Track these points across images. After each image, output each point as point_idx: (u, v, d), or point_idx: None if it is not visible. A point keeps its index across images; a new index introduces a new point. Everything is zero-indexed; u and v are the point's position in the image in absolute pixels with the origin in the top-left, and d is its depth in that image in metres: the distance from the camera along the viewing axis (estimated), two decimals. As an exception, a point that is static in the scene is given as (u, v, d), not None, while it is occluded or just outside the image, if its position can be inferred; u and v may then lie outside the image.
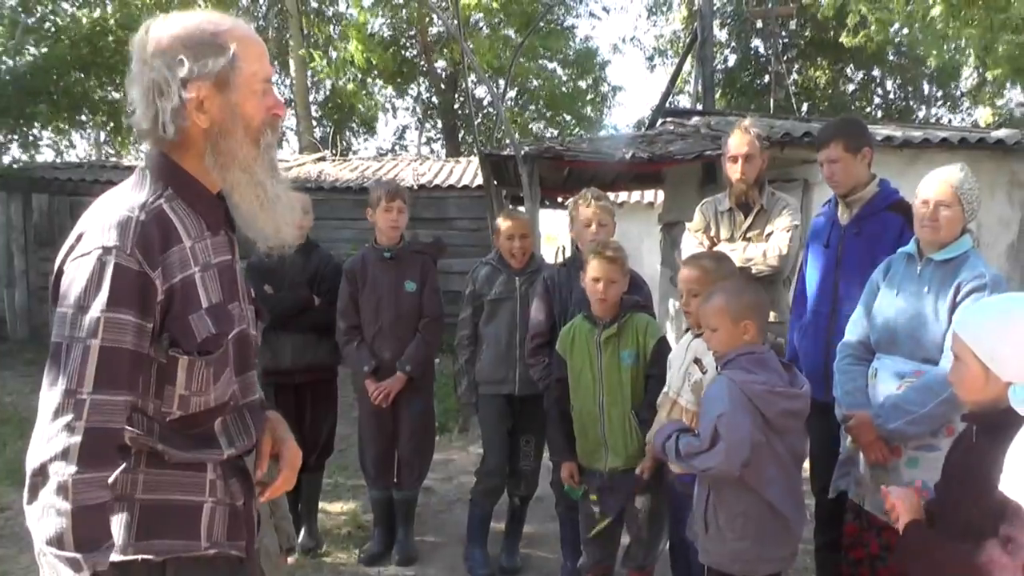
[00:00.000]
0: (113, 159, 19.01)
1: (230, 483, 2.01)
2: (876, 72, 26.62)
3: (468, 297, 5.05)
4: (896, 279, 3.54)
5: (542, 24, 22.96)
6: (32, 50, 15.10)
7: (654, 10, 28.60)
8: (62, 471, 1.64)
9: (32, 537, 1.70)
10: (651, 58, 29.61)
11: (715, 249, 4.58)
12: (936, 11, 9.73)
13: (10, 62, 14.49)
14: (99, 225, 1.76)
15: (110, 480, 1.72)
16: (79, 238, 1.77)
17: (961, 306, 2.47)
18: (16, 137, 15.04)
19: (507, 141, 10.40)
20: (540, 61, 26.63)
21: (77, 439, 1.66)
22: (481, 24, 24.04)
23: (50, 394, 1.69)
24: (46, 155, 18.22)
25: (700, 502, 3.27)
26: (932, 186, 3.38)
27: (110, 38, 15.12)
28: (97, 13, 15.99)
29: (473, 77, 16.11)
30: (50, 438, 1.66)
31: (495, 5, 22.37)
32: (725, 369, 3.18)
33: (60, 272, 1.77)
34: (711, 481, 3.20)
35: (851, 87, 27.46)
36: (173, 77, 1.81)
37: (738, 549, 3.16)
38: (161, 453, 1.86)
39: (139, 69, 1.85)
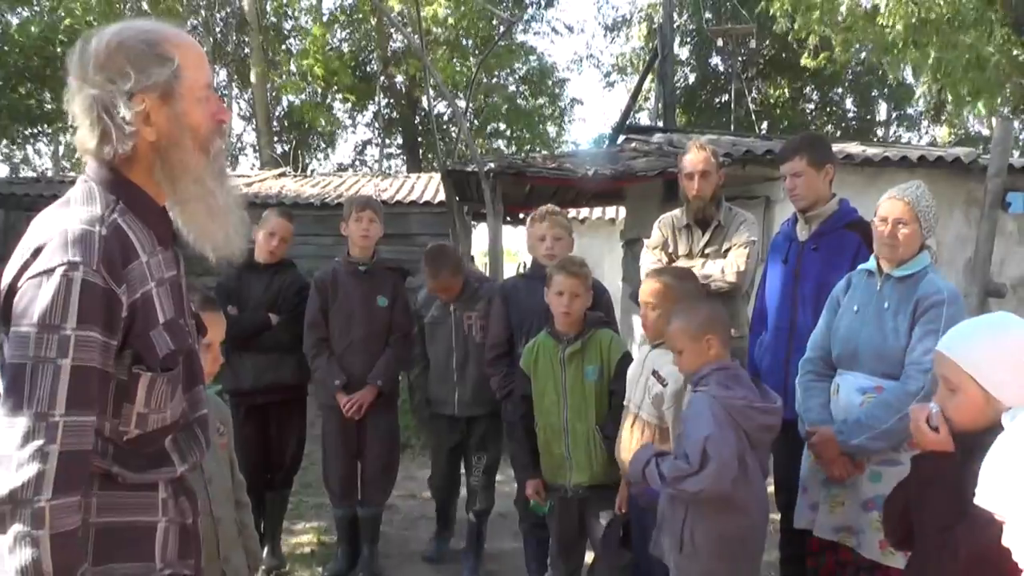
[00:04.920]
0: (72, 174, 18.73)
1: (180, 501, 1.97)
2: (835, 91, 26.95)
3: (412, 316, 5.13)
4: (856, 295, 3.58)
5: (502, 43, 23.03)
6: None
7: (612, 28, 28.83)
8: (37, 499, 1.58)
9: None
10: (608, 75, 29.87)
11: (677, 266, 4.62)
12: (898, 27, 9.88)
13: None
14: (59, 240, 1.68)
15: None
16: (35, 254, 1.68)
17: (950, 331, 2.44)
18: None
19: (469, 157, 10.40)
20: (498, 79, 26.75)
21: (52, 464, 1.60)
22: (440, 39, 24.05)
23: (15, 418, 1.61)
24: (1, 170, 18.01)
25: (675, 521, 3.23)
26: (890, 204, 3.42)
27: (59, 49, 14.93)
28: (45, 21, 15.73)
29: (432, 93, 16.08)
30: (20, 464, 1.58)
31: (451, 20, 22.42)
32: (700, 386, 3.18)
33: (13, 289, 1.69)
34: (693, 502, 3.16)
35: (810, 106, 27.79)
36: (118, 91, 1.77)
37: (713, 569, 3.15)
38: (115, 475, 1.80)
39: (79, 85, 1.80)
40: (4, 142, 16.54)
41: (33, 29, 15.12)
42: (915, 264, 3.39)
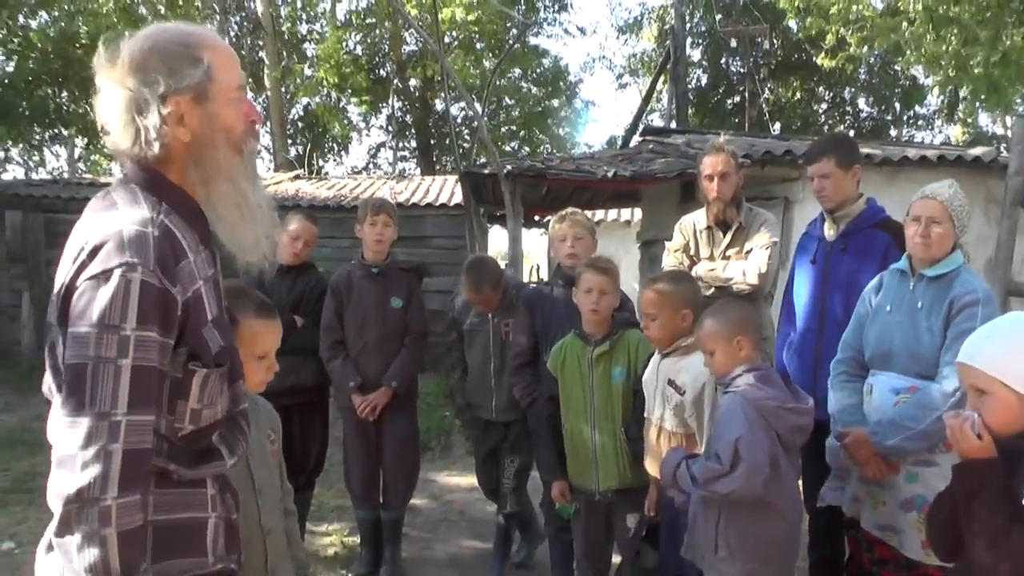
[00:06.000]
0: (88, 176, 18.80)
1: (226, 498, 2.02)
2: (847, 91, 26.88)
3: (450, 322, 5.15)
4: (889, 295, 3.55)
5: (517, 45, 23.04)
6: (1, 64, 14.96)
7: (624, 30, 28.81)
8: (104, 497, 1.61)
9: (47, 568, 1.71)
10: (620, 76, 29.86)
11: (676, 268, 4.60)
12: (918, 28, 9.85)
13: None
14: (115, 242, 1.69)
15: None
16: (92, 255, 1.69)
17: (966, 341, 2.40)
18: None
19: (483, 159, 10.39)
20: (512, 79, 26.79)
21: (116, 463, 1.62)
22: (455, 43, 24.10)
23: (77, 418, 1.63)
24: (17, 170, 18.09)
25: (708, 523, 3.21)
26: (923, 203, 3.40)
27: (80, 51, 14.99)
28: (66, 24, 15.75)
29: (450, 95, 16.07)
30: (85, 464, 1.61)
31: (470, 18, 22.42)
32: (731, 387, 3.16)
33: (70, 291, 1.70)
34: (726, 503, 3.14)
35: (823, 106, 27.72)
36: (152, 93, 1.78)
37: (749, 570, 3.13)
38: (171, 472, 1.83)
39: (111, 87, 1.82)
40: (21, 145, 16.57)
41: (51, 33, 15.14)
42: (948, 263, 3.36)
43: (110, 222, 1.75)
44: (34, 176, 17.83)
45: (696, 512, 3.32)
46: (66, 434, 1.64)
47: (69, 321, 1.69)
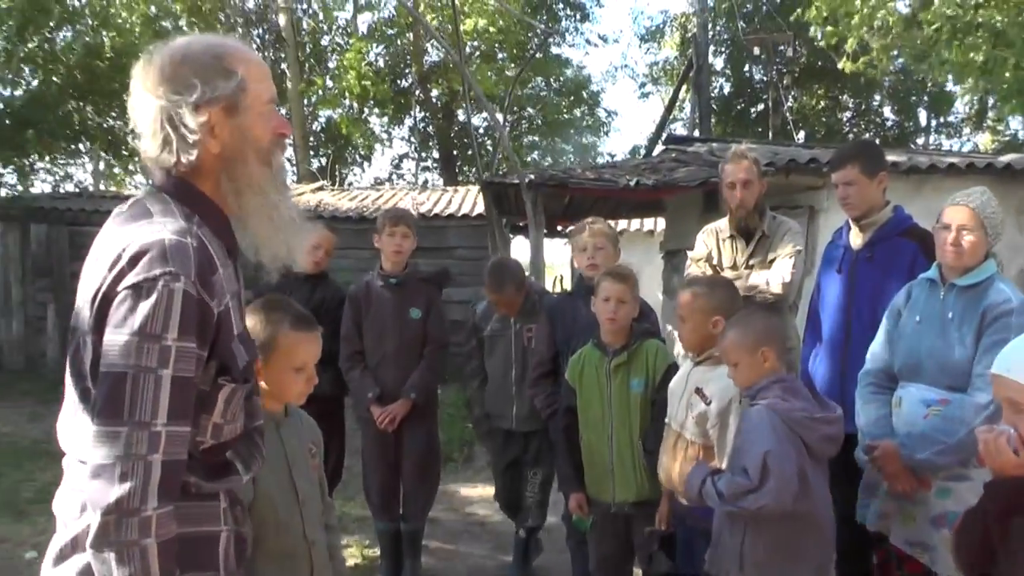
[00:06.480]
0: (113, 189, 18.91)
1: (236, 510, 2.00)
2: (873, 99, 26.69)
3: (470, 330, 5.11)
4: (918, 305, 3.47)
5: (539, 54, 23.07)
6: (27, 79, 15.05)
7: (646, 38, 28.81)
8: (144, 507, 1.61)
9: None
10: (643, 85, 29.83)
11: (712, 275, 4.54)
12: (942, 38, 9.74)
13: (5, 92, 14.46)
14: (157, 251, 1.68)
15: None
16: (132, 263, 1.68)
17: (1001, 352, 2.31)
18: (13, 167, 14.98)
19: (504, 169, 10.38)
20: (534, 89, 26.84)
21: (156, 473, 1.63)
22: (476, 53, 24.17)
23: (115, 427, 1.62)
24: (43, 185, 18.22)
25: (733, 538, 3.13)
26: (954, 210, 3.32)
27: (106, 64, 15.08)
28: (90, 38, 15.86)
29: (472, 106, 16.09)
30: (124, 474, 1.60)
31: (492, 29, 22.48)
32: (757, 399, 3.08)
33: (108, 297, 1.69)
34: (753, 518, 3.06)
35: (847, 114, 27.54)
36: (184, 103, 1.78)
37: None
38: (191, 485, 1.81)
39: (144, 97, 1.81)
40: (47, 158, 16.69)
41: (75, 47, 15.22)
42: (980, 272, 3.28)
43: (148, 231, 1.74)
44: (60, 190, 17.92)
45: (721, 526, 3.25)
46: (102, 443, 1.63)
47: (107, 328, 1.67)
